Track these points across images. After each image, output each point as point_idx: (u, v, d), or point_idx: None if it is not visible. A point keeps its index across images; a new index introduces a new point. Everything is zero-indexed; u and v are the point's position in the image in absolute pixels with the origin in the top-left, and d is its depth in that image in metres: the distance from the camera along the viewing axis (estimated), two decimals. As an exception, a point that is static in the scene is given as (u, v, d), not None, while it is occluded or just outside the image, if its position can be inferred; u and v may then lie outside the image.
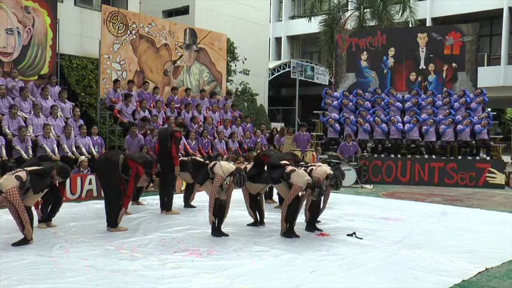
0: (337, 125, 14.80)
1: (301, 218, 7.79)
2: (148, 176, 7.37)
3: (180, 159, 8.38)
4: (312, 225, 7.09)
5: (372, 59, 16.86)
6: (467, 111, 14.33)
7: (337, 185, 6.74)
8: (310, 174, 6.78)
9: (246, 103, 23.87)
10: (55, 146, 10.18)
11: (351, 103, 15.55)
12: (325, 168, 7.15)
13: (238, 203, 9.11)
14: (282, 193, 6.94)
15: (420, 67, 16.49)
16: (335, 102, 15.79)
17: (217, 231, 6.56)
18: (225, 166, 6.55)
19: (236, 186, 6.48)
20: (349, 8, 27.02)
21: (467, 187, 13.14)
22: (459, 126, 14.04)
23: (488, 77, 25.48)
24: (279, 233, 6.74)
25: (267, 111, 27.17)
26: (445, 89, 15.52)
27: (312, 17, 24.58)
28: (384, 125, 14.46)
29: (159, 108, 13.02)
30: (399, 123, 14.42)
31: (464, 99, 14.77)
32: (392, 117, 14.48)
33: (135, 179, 6.73)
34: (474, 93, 15.19)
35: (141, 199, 9.13)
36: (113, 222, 6.71)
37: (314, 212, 7.06)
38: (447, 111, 14.59)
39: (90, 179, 9.52)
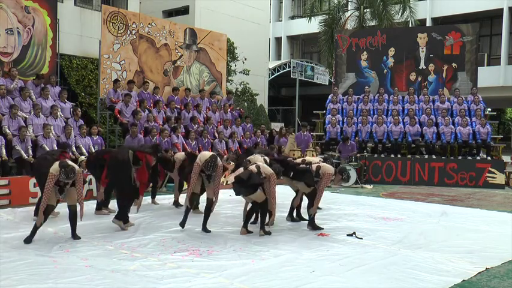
0: (338, 126, 14.81)
1: (303, 218, 7.83)
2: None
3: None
4: (311, 221, 7.22)
5: (372, 59, 16.85)
6: (466, 117, 14.34)
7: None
8: (318, 171, 7.00)
9: (246, 103, 23.86)
10: (55, 146, 10.15)
11: (353, 104, 15.60)
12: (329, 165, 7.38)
13: (239, 203, 9.10)
14: (258, 199, 6.80)
15: (420, 67, 16.48)
16: (338, 104, 15.80)
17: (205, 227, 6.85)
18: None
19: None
20: (349, 8, 27.00)
21: (467, 187, 13.14)
22: (459, 128, 14.10)
23: (488, 77, 25.47)
24: (279, 233, 6.76)
25: (267, 111, 27.15)
26: (443, 96, 15.43)
27: (312, 17, 24.55)
28: (384, 125, 14.49)
29: (159, 108, 13.02)
30: (400, 124, 14.47)
31: (464, 107, 14.80)
32: (396, 117, 14.50)
33: (147, 167, 7.17)
34: (473, 100, 15.15)
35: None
36: (124, 217, 6.93)
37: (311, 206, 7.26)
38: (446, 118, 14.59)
39: (90, 179, 9.51)
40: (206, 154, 6.85)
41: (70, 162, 6.08)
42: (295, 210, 7.83)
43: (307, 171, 7.11)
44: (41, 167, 6.50)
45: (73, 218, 6.25)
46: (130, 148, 7.49)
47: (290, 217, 7.79)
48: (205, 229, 6.84)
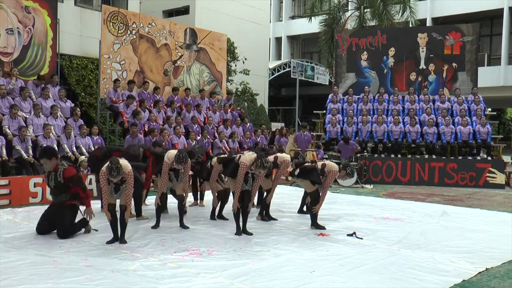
0: (338, 126, 14.81)
1: (303, 217, 7.82)
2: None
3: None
4: (314, 220, 7.23)
5: (372, 59, 16.85)
6: (466, 118, 14.33)
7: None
8: (323, 169, 7.06)
9: (246, 103, 23.88)
10: (55, 146, 10.16)
11: (354, 104, 15.62)
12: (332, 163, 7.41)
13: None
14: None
15: (420, 67, 16.47)
16: (338, 104, 15.81)
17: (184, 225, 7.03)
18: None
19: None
20: (349, 8, 27.00)
21: (467, 187, 13.13)
22: (459, 128, 14.11)
23: (489, 77, 25.47)
24: (278, 233, 6.77)
25: (267, 111, 27.17)
26: (443, 96, 15.43)
27: (312, 17, 24.55)
28: (384, 125, 14.49)
29: (159, 108, 13.02)
30: (400, 124, 14.48)
31: (464, 107, 14.79)
32: (396, 117, 14.51)
33: (152, 165, 7.67)
34: (473, 100, 15.13)
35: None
36: (138, 211, 7.31)
37: (313, 205, 7.26)
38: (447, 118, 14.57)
39: (90, 179, 9.51)
40: (173, 152, 6.89)
41: (123, 162, 5.93)
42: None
43: (313, 170, 7.13)
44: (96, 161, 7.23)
45: (122, 218, 6.03)
46: (141, 146, 8.18)
47: (261, 216, 7.80)
48: (183, 225, 6.98)
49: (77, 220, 6.48)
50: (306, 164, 7.33)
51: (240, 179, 6.54)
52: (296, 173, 7.35)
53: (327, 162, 7.26)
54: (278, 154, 7.87)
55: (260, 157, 6.52)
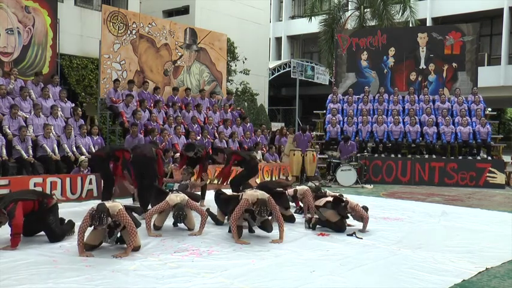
0: (338, 126, 14.82)
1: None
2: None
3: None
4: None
5: (372, 58, 16.85)
6: (466, 118, 14.33)
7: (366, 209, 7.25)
8: (345, 207, 7.04)
9: (246, 103, 23.87)
10: (55, 145, 10.17)
11: (354, 104, 15.63)
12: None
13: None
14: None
15: (420, 67, 16.48)
16: (338, 104, 15.82)
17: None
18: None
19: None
20: (349, 8, 26.98)
21: (467, 187, 13.14)
22: (459, 128, 14.12)
23: (489, 76, 25.46)
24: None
25: (267, 111, 27.15)
26: (444, 96, 15.43)
27: (312, 17, 24.54)
28: (384, 125, 14.50)
29: (159, 108, 13.01)
30: (400, 124, 14.48)
31: (464, 107, 14.78)
32: (396, 117, 14.52)
33: (162, 161, 8.55)
34: (473, 99, 15.14)
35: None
36: (146, 210, 7.24)
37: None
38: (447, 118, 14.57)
39: (91, 179, 9.51)
40: (174, 198, 6.52)
41: (110, 205, 5.46)
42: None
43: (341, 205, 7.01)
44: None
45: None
46: (152, 145, 8.65)
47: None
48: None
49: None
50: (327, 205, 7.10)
51: (238, 213, 6.17)
52: (321, 204, 7.13)
53: (350, 202, 7.06)
54: (297, 187, 8.24)
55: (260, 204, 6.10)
